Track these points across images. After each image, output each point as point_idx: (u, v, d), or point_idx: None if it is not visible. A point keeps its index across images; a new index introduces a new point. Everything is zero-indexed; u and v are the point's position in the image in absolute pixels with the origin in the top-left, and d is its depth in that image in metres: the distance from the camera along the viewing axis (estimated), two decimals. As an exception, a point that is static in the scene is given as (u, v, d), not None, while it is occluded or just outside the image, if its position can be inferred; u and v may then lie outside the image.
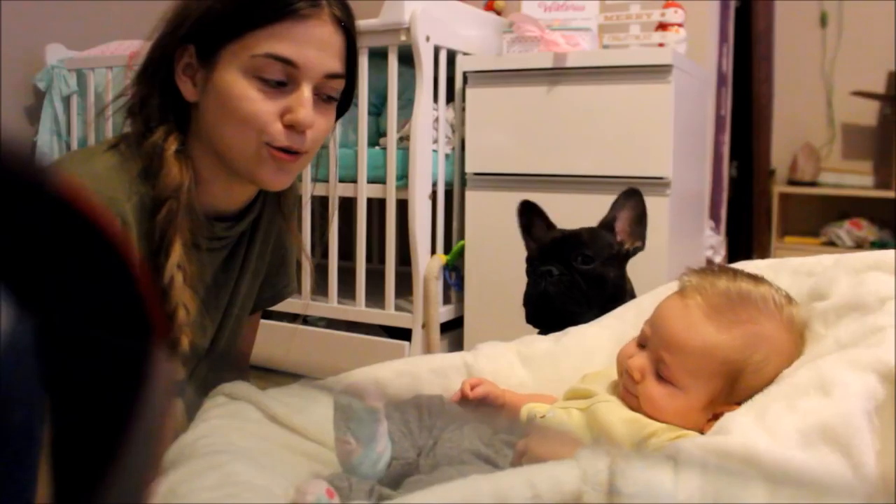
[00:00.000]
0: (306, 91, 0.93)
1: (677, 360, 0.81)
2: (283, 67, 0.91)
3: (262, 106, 0.92)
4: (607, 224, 1.26)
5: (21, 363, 0.40)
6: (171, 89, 0.96)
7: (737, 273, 0.87)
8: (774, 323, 0.82)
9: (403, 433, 0.79)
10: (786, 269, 0.99)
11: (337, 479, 0.71)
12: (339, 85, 0.98)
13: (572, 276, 1.18)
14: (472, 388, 0.91)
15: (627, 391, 0.84)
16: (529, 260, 1.27)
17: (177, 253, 0.91)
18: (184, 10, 0.95)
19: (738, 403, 0.77)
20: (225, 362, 1.14)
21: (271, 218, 1.13)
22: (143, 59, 0.98)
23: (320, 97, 0.96)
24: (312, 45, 0.92)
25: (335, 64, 0.95)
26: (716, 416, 0.78)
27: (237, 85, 0.91)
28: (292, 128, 0.93)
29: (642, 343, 0.86)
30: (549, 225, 1.30)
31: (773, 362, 0.80)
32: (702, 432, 0.79)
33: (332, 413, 0.91)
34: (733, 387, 0.80)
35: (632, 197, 1.26)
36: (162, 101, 0.96)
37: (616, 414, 0.82)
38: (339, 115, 1.05)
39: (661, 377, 0.82)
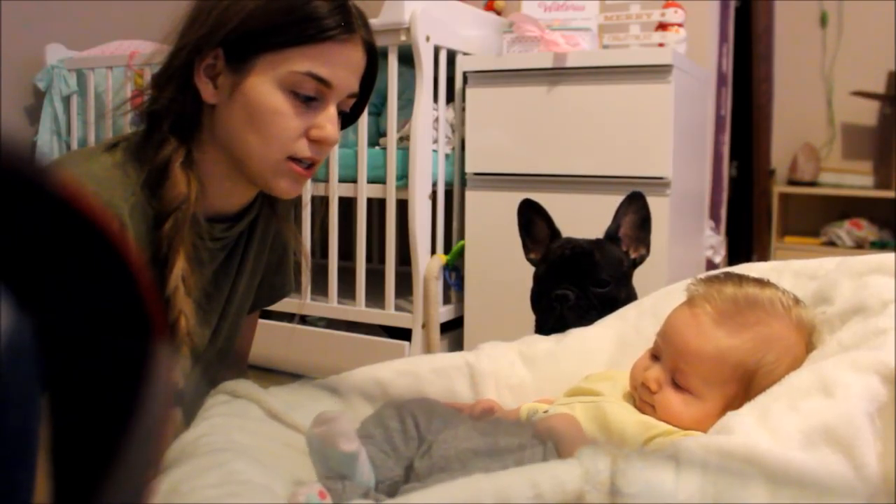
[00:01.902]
0: (332, 110, 0.96)
1: (693, 368, 0.82)
2: (317, 86, 0.93)
3: (292, 122, 0.93)
4: (612, 234, 1.25)
5: (19, 363, 0.40)
6: (186, 93, 0.95)
7: (742, 278, 0.88)
8: (783, 324, 0.83)
9: (386, 453, 0.78)
10: (788, 272, 1.00)
11: (330, 481, 0.71)
12: (353, 102, 1.02)
13: (589, 301, 1.18)
14: (483, 412, 0.90)
15: (644, 402, 0.85)
16: (538, 278, 1.25)
17: (180, 265, 0.92)
18: (220, 15, 0.93)
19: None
20: (223, 362, 1.14)
21: (269, 218, 1.13)
22: (166, 60, 0.97)
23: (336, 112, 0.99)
24: (346, 67, 0.96)
25: (357, 84, 1.00)
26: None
27: (271, 97, 0.92)
28: (316, 142, 0.96)
29: (656, 355, 0.87)
30: (552, 226, 1.28)
31: (784, 363, 0.81)
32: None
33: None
34: (747, 390, 0.81)
35: (635, 201, 1.25)
36: (174, 106, 0.95)
37: (628, 415, 0.83)
38: (345, 126, 1.08)
39: (677, 386, 0.83)
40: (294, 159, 0.96)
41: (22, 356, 0.40)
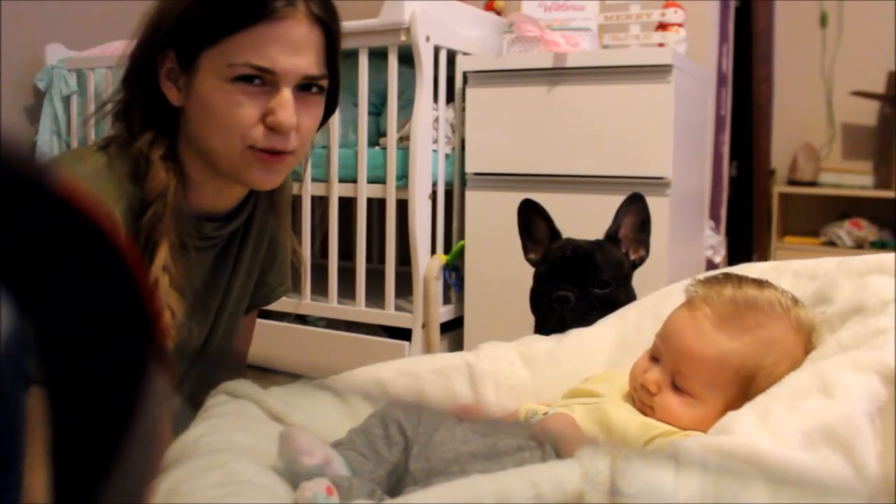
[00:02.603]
0: (286, 93, 0.92)
1: (693, 371, 0.82)
2: (261, 74, 0.91)
3: (244, 110, 0.91)
4: (613, 235, 1.25)
5: (9, 365, 0.40)
6: (156, 94, 0.96)
7: (741, 279, 0.88)
8: (783, 325, 0.83)
9: (365, 456, 0.77)
10: (788, 272, 1.00)
11: (338, 478, 0.71)
12: (322, 82, 0.97)
13: (589, 302, 1.17)
14: (463, 410, 0.90)
15: (644, 404, 0.85)
16: (538, 278, 1.25)
17: (162, 255, 0.91)
18: (160, 16, 0.94)
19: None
20: (222, 362, 1.14)
21: (265, 216, 1.13)
22: (126, 64, 0.98)
23: (304, 92, 0.95)
24: (288, 47, 0.91)
25: (312, 65, 0.94)
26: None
27: (218, 91, 0.91)
28: (272, 129, 0.92)
29: (655, 356, 0.87)
30: (552, 226, 1.28)
31: (783, 364, 0.81)
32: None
33: (332, 412, 0.91)
34: (747, 392, 0.81)
35: (635, 203, 1.25)
36: (146, 106, 0.96)
37: (630, 416, 0.83)
38: (330, 111, 1.03)
39: (677, 388, 0.83)
40: (257, 148, 0.93)
41: (9, 357, 0.40)
